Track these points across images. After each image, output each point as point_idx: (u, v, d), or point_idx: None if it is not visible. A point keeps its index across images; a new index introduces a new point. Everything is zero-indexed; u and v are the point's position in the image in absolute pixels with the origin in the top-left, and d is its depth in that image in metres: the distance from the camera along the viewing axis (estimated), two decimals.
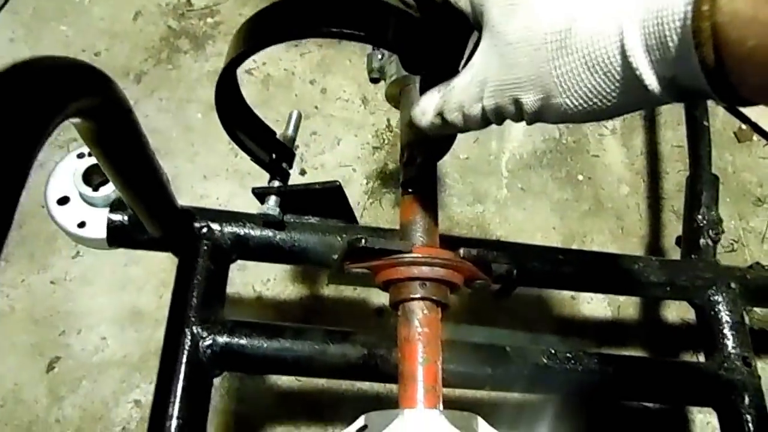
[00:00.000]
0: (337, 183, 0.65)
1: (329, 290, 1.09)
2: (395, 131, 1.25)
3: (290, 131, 0.68)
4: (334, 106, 1.26)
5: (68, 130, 1.09)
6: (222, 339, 0.63)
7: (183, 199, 0.67)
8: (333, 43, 1.31)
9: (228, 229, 0.68)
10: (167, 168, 0.60)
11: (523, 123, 0.45)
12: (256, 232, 0.69)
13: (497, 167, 1.27)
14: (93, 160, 0.66)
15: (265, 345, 0.63)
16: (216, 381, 0.87)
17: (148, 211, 0.60)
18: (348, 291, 1.09)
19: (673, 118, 1.39)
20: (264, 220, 0.68)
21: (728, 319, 0.81)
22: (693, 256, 0.90)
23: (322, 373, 0.67)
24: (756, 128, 1.40)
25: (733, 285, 0.83)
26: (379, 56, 0.71)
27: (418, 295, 0.55)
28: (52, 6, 1.24)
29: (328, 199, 0.68)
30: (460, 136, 0.62)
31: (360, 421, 0.52)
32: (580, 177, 1.30)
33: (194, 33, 1.27)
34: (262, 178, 0.67)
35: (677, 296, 0.85)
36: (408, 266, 0.55)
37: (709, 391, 0.78)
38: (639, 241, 1.26)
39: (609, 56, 0.36)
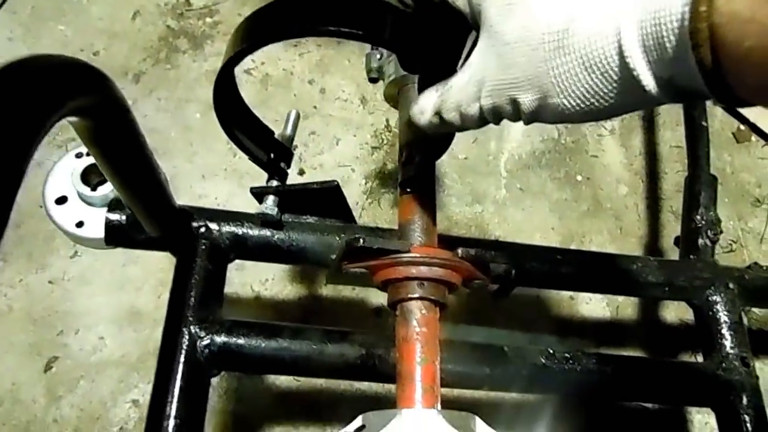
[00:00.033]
0: (335, 183, 0.65)
1: (328, 290, 1.09)
2: (394, 131, 1.24)
3: (288, 131, 0.68)
4: (333, 106, 1.26)
5: (67, 130, 1.09)
6: (220, 339, 0.62)
7: (182, 199, 0.67)
8: (332, 43, 1.31)
9: (226, 228, 0.68)
10: (166, 168, 0.60)
11: (522, 123, 0.45)
12: (254, 232, 0.68)
13: (496, 167, 1.27)
14: (91, 160, 0.66)
15: (263, 345, 0.63)
16: (214, 381, 0.87)
17: (146, 211, 0.59)
18: (346, 291, 1.09)
19: (671, 118, 1.39)
20: (262, 220, 0.67)
21: (726, 319, 0.81)
22: (691, 256, 0.90)
23: (320, 373, 0.67)
24: (754, 129, 1.40)
25: (731, 285, 0.83)
26: (378, 56, 0.71)
27: (416, 295, 0.55)
28: (51, 5, 1.24)
29: (327, 199, 0.68)
30: (458, 136, 0.63)
31: (358, 421, 0.52)
32: (579, 177, 1.30)
33: (193, 33, 1.27)
34: (260, 177, 0.67)
35: (676, 296, 0.84)
36: (406, 266, 0.56)
37: (708, 392, 0.78)
38: (637, 242, 1.26)
39: (606, 57, 0.36)
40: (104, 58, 1.20)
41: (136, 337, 0.99)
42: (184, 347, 0.61)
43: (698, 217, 0.92)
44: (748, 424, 0.75)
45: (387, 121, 1.26)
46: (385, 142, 1.24)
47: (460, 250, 0.58)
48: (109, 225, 0.66)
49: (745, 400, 0.76)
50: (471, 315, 1.09)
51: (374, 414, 0.51)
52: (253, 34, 0.49)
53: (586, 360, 0.72)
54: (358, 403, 1.00)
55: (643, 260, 0.82)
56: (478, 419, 0.52)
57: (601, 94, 0.38)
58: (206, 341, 0.62)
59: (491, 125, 0.48)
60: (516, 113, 0.43)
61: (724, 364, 0.78)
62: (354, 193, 1.17)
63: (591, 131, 1.36)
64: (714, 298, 0.82)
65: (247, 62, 1.24)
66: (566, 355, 0.72)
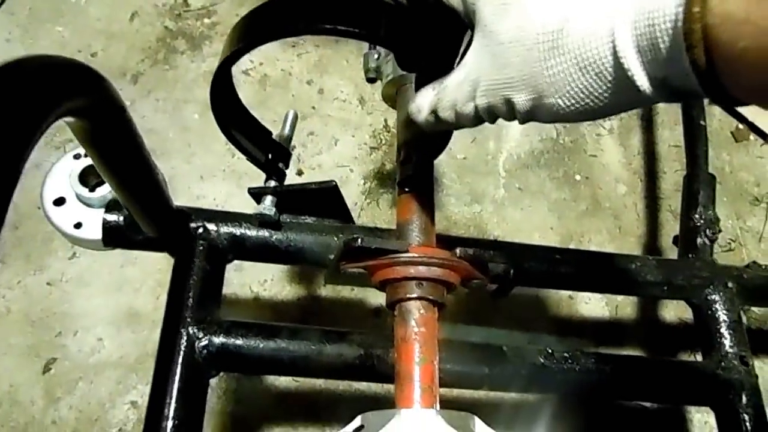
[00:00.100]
0: (333, 183, 0.65)
1: (326, 291, 1.09)
2: (392, 131, 1.24)
3: (286, 131, 0.68)
4: (331, 107, 1.26)
5: (64, 131, 1.09)
6: (218, 339, 0.62)
7: (180, 200, 0.67)
8: (330, 43, 1.30)
9: (224, 229, 0.68)
10: (164, 168, 0.60)
11: (517, 122, 0.45)
12: (252, 232, 0.68)
13: (495, 167, 1.27)
14: (89, 161, 0.66)
15: (262, 345, 0.63)
16: (213, 382, 0.87)
17: (144, 212, 0.59)
18: (345, 291, 1.09)
19: (670, 117, 1.39)
20: (260, 220, 0.67)
21: (725, 318, 0.81)
22: (690, 255, 0.90)
23: (319, 373, 0.67)
24: (753, 128, 1.41)
25: (730, 284, 0.83)
26: (376, 56, 0.71)
27: (414, 295, 0.55)
28: (49, 6, 1.24)
29: (325, 199, 0.68)
30: (457, 136, 0.63)
31: (356, 421, 0.52)
32: (578, 177, 1.30)
33: (191, 33, 1.27)
34: (258, 178, 0.67)
35: (674, 295, 0.84)
36: (404, 266, 0.55)
37: (707, 391, 0.77)
38: (636, 241, 1.26)
39: (601, 57, 0.36)
40: (102, 59, 1.20)
41: (135, 338, 0.99)
42: (183, 348, 0.61)
43: (697, 216, 0.92)
44: (748, 423, 0.74)
45: (385, 121, 1.26)
46: (383, 142, 1.24)
47: (458, 250, 0.58)
48: (107, 226, 0.65)
49: (744, 399, 0.75)
50: (470, 315, 1.09)
51: (373, 414, 0.51)
52: (249, 33, 0.49)
53: (585, 359, 0.72)
54: (357, 403, 1.00)
55: (642, 259, 0.82)
56: (477, 419, 0.52)
57: (596, 94, 0.38)
58: (204, 342, 0.62)
59: (488, 123, 0.48)
60: (511, 113, 0.44)
61: (723, 363, 0.78)
62: (352, 194, 1.17)
63: (590, 131, 1.36)
64: (713, 297, 0.82)
65: (246, 63, 1.24)
66: (565, 354, 0.72)
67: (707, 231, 0.89)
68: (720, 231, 0.91)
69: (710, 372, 0.78)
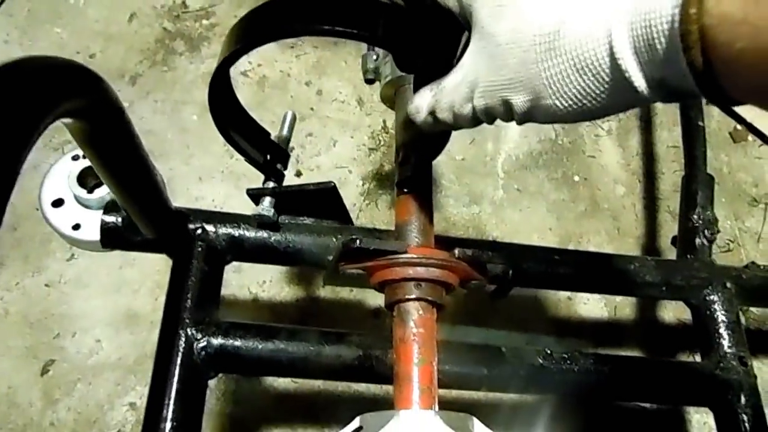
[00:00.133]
0: (332, 184, 0.65)
1: (325, 292, 1.09)
2: (391, 133, 1.24)
3: (285, 132, 0.68)
4: (330, 108, 1.26)
5: (63, 132, 1.08)
6: (216, 341, 0.62)
7: (178, 201, 0.67)
8: (329, 44, 1.31)
9: (222, 230, 0.68)
10: (162, 170, 0.60)
11: (515, 123, 0.45)
12: (250, 234, 0.68)
13: (493, 168, 1.27)
14: (88, 163, 0.66)
15: (260, 347, 0.63)
16: (211, 383, 0.87)
17: (142, 213, 0.59)
18: (344, 293, 1.09)
19: (668, 118, 1.39)
20: (259, 222, 0.67)
21: (724, 318, 0.81)
22: (689, 255, 0.90)
23: (318, 374, 0.67)
24: (751, 128, 1.41)
25: (728, 285, 0.83)
26: (374, 57, 0.71)
27: (413, 296, 0.55)
28: (47, 8, 1.24)
29: (323, 200, 0.68)
30: (455, 137, 0.63)
31: (355, 423, 0.52)
32: (576, 178, 1.30)
33: (189, 35, 1.27)
34: (257, 179, 0.67)
35: (673, 296, 0.84)
36: (403, 267, 0.55)
37: (706, 391, 0.77)
38: (635, 242, 1.26)
39: (598, 58, 0.36)
40: (101, 61, 1.20)
41: (133, 339, 0.99)
42: (181, 349, 0.61)
43: (695, 216, 0.92)
44: (747, 424, 0.74)
45: (384, 122, 1.26)
46: (382, 143, 1.24)
47: (457, 251, 0.58)
48: (105, 227, 0.65)
49: (743, 400, 0.75)
50: (468, 316, 1.09)
51: (372, 415, 0.51)
52: (247, 34, 0.49)
53: (583, 360, 0.72)
54: (356, 404, 1.00)
55: (641, 260, 0.82)
56: (475, 420, 0.52)
57: (593, 95, 0.38)
58: (203, 343, 0.62)
59: (486, 124, 0.48)
60: (508, 114, 0.44)
61: (722, 364, 0.78)
62: (351, 195, 1.17)
63: (588, 132, 1.36)
64: (711, 297, 0.82)
65: (244, 64, 1.24)
66: (564, 355, 0.72)
67: (706, 231, 0.89)
68: (718, 231, 0.91)
69: (709, 372, 0.78)
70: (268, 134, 0.66)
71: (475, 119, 0.46)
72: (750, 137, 1.41)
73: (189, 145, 1.16)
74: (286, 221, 0.70)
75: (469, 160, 1.27)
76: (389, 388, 0.56)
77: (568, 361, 0.71)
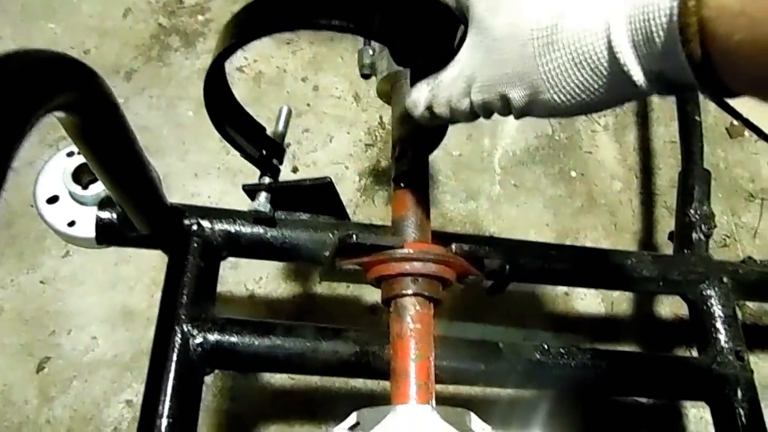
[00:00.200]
0: (328, 179, 0.65)
1: (322, 288, 1.08)
2: (387, 128, 1.24)
3: (280, 127, 0.68)
4: (326, 104, 1.25)
5: (57, 129, 1.08)
6: (212, 337, 0.62)
7: (174, 198, 0.66)
8: (325, 40, 1.30)
9: (218, 226, 0.67)
10: (158, 166, 0.59)
11: (513, 117, 0.45)
12: (246, 229, 0.68)
13: (490, 164, 1.27)
14: (82, 159, 0.65)
15: (257, 342, 0.63)
16: (208, 380, 0.87)
17: (137, 208, 0.59)
18: (341, 289, 1.09)
19: (665, 114, 1.39)
20: (255, 217, 0.67)
21: (721, 313, 0.81)
22: (686, 250, 0.90)
23: (315, 370, 0.67)
24: (748, 124, 1.41)
25: (725, 279, 0.83)
26: (371, 52, 0.71)
27: (410, 291, 0.55)
28: (41, 3, 1.23)
29: (320, 196, 0.68)
30: (452, 132, 0.63)
31: (352, 418, 0.51)
32: (573, 173, 1.30)
33: (185, 30, 1.26)
34: (254, 176, 0.66)
35: (670, 291, 0.85)
36: (400, 262, 0.55)
37: (703, 386, 0.78)
38: (632, 237, 1.26)
39: (596, 52, 0.36)
40: (95, 56, 1.19)
41: (129, 336, 0.99)
42: (177, 346, 0.60)
43: (692, 211, 0.92)
44: (743, 418, 0.75)
45: (380, 118, 1.25)
46: (378, 139, 1.24)
47: (454, 246, 0.57)
48: (100, 223, 0.65)
49: (739, 394, 0.76)
50: (466, 312, 1.09)
51: (369, 410, 0.51)
52: (242, 29, 0.49)
53: (581, 355, 0.72)
54: (354, 401, 1.00)
55: (638, 255, 0.82)
56: (473, 415, 0.52)
57: (592, 89, 0.38)
58: (199, 339, 0.61)
59: (483, 119, 0.48)
60: (506, 108, 0.44)
61: (718, 359, 0.78)
62: (348, 191, 1.17)
63: (585, 127, 1.36)
64: (708, 292, 0.82)
65: (240, 60, 1.24)
66: (561, 350, 0.72)
67: (702, 226, 0.89)
68: (715, 226, 0.91)
69: (706, 367, 0.78)
70: (264, 129, 0.66)
71: (473, 114, 0.46)
72: (746, 133, 1.41)
73: (185, 141, 1.16)
74: (283, 217, 0.69)
75: (466, 155, 1.27)
76: (386, 384, 0.56)
77: (566, 357, 0.71)
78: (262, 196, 0.66)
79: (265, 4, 0.48)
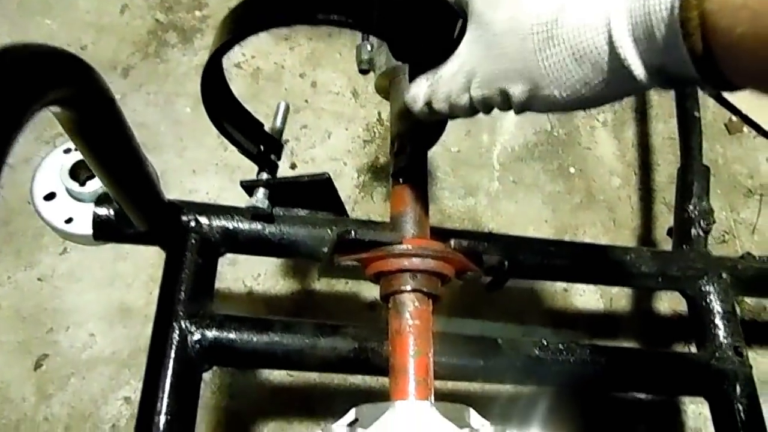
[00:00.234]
0: (326, 175, 0.64)
1: (320, 285, 1.08)
2: (386, 124, 1.24)
3: (278, 123, 0.68)
4: (325, 100, 1.25)
5: (54, 125, 1.07)
6: (211, 333, 0.62)
7: (172, 194, 0.66)
8: (323, 36, 1.30)
9: (216, 222, 0.67)
10: (155, 163, 0.59)
11: (515, 115, 0.45)
12: (244, 225, 0.68)
13: (489, 160, 1.27)
14: (80, 156, 0.65)
15: (255, 339, 0.63)
16: (206, 377, 0.87)
17: (134, 204, 0.59)
18: (339, 285, 1.09)
19: (664, 110, 1.39)
20: (253, 213, 0.67)
21: (720, 309, 0.81)
22: (684, 246, 0.90)
23: (313, 366, 0.67)
24: (746, 120, 1.41)
25: (724, 275, 0.83)
26: (369, 47, 0.70)
27: (408, 287, 0.55)
28: None
29: (318, 192, 0.67)
30: (450, 128, 0.62)
31: (351, 414, 0.51)
32: (572, 169, 1.30)
33: (182, 26, 1.26)
34: (251, 172, 0.66)
35: (669, 286, 0.84)
36: (398, 258, 0.55)
37: (701, 381, 0.78)
38: (631, 233, 1.26)
39: (596, 47, 0.36)
40: (92, 53, 1.19)
41: (127, 333, 0.99)
42: (175, 342, 0.60)
43: (691, 207, 0.92)
44: (742, 414, 0.75)
45: (379, 114, 1.25)
46: (377, 135, 1.23)
47: (452, 242, 0.57)
48: (97, 219, 0.65)
49: (738, 390, 0.76)
50: (464, 308, 1.09)
51: (367, 407, 0.51)
52: (240, 24, 0.48)
53: (580, 351, 0.72)
54: (352, 397, 0.99)
55: (637, 251, 0.82)
56: (472, 411, 0.52)
57: (592, 83, 0.38)
58: (197, 336, 0.61)
59: (483, 115, 0.48)
60: (506, 103, 0.43)
61: (717, 354, 0.78)
62: (346, 187, 1.17)
63: (584, 123, 1.35)
64: (707, 288, 0.82)
65: (238, 56, 1.23)
66: (560, 346, 0.71)
67: (701, 222, 0.89)
68: (714, 222, 0.91)
69: (705, 363, 0.78)
70: (262, 125, 0.65)
71: (472, 109, 0.46)
72: (745, 129, 1.41)
73: (182, 138, 1.15)
74: (281, 213, 0.69)
75: (465, 151, 1.26)
76: (385, 381, 0.56)
77: (565, 353, 0.71)
78: (260, 192, 0.65)
79: None
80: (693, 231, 0.89)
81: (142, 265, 1.03)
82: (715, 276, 0.82)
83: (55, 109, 0.38)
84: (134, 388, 0.95)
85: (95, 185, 0.65)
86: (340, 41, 1.29)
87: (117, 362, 0.97)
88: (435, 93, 0.47)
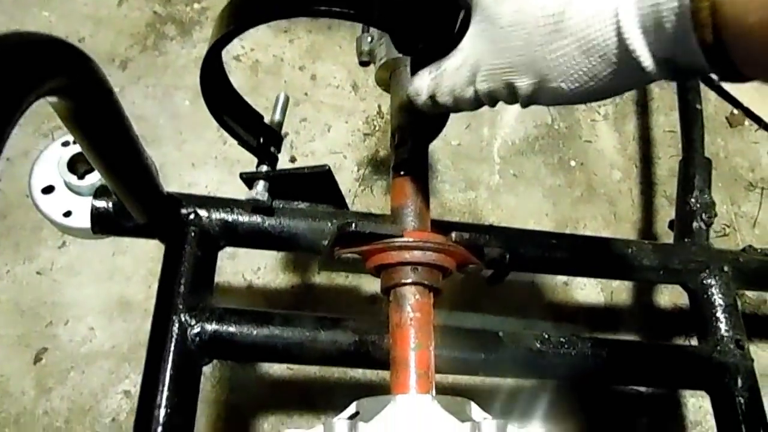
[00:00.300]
0: (327, 167, 0.64)
1: (320, 279, 1.08)
2: (386, 117, 1.23)
3: (278, 115, 0.67)
4: (324, 93, 1.24)
5: (52, 118, 1.07)
6: (210, 327, 0.61)
7: (171, 188, 0.66)
8: (322, 28, 1.29)
9: (216, 215, 0.67)
10: (154, 156, 0.58)
11: (516, 108, 0.44)
12: (244, 218, 0.67)
13: (489, 153, 1.26)
14: (78, 149, 0.64)
15: (255, 332, 0.62)
16: (206, 370, 0.87)
17: (133, 197, 0.58)
18: (340, 279, 1.08)
19: (665, 103, 1.39)
20: (253, 206, 0.66)
21: (721, 302, 0.80)
22: (686, 239, 0.89)
23: (313, 360, 0.66)
24: (748, 113, 1.40)
25: (726, 268, 0.82)
26: (369, 39, 0.70)
27: (409, 280, 0.55)
28: None
29: (318, 184, 0.67)
30: (451, 122, 0.62)
31: (352, 408, 0.51)
32: (573, 163, 1.29)
33: (180, 19, 1.25)
34: (251, 166, 0.66)
35: (670, 280, 0.84)
36: (399, 251, 0.55)
37: (703, 375, 0.77)
38: (631, 227, 1.26)
39: (605, 39, 0.36)
40: (90, 45, 1.18)
41: (127, 327, 0.98)
42: (175, 336, 0.60)
43: (693, 200, 0.91)
44: (743, 407, 0.75)
45: (379, 107, 1.24)
46: (377, 128, 1.23)
47: (454, 235, 0.57)
48: (96, 212, 0.64)
49: (740, 383, 0.75)
50: (465, 302, 1.08)
51: (368, 400, 0.50)
52: (239, 16, 0.48)
53: (581, 344, 0.72)
54: (353, 391, 0.99)
55: (638, 244, 0.81)
56: (473, 404, 0.51)
57: (600, 76, 0.38)
58: (197, 329, 0.61)
59: (488, 107, 0.47)
60: (512, 96, 0.43)
61: (719, 347, 0.78)
62: (346, 181, 1.16)
63: (584, 116, 1.35)
64: (709, 281, 0.81)
65: (237, 48, 1.22)
66: (561, 339, 0.71)
67: (703, 215, 0.89)
68: (716, 215, 0.91)
69: (706, 356, 0.78)
70: (261, 117, 0.65)
71: (477, 102, 0.46)
72: (746, 122, 1.41)
73: (181, 131, 1.15)
74: (281, 206, 0.69)
75: (465, 145, 1.26)
76: (385, 375, 0.55)
77: (566, 346, 0.71)
78: (260, 184, 0.65)
79: None
80: (695, 224, 0.89)
81: (142, 258, 1.03)
82: (716, 269, 0.82)
83: (53, 99, 0.38)
84: (134, 382, 0.95)
85: (94, 178, 0.65)
86: (340, 34, 1.28)
87: (117, 356, 0.96)
88: (439, 86, 0.47)
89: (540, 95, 0.41)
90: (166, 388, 0.57)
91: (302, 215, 0.69)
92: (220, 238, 0.68)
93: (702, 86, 1.11)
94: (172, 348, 0.59)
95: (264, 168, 0.64)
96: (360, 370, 1.01)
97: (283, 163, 0.83)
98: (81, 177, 0.65)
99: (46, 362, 0.94)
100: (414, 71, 0.50)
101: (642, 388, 1.09)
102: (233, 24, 0.47)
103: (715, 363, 0.77)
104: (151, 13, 1.24)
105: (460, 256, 0.58)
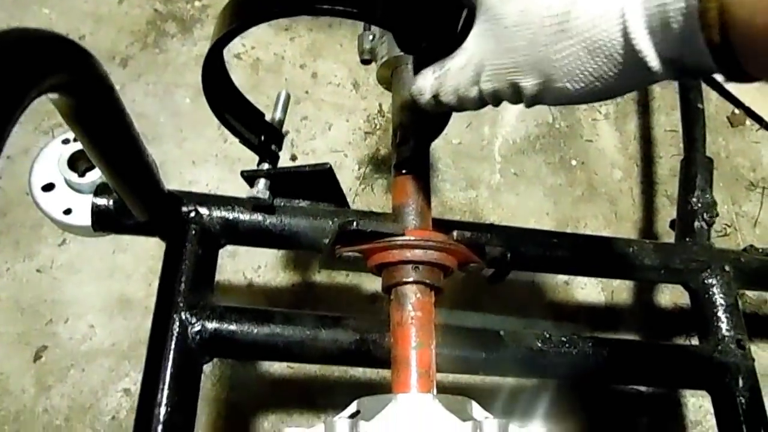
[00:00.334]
0: (328, 165, 0.64)
1: (321, 277, 1.08)
2: (387, 116, 1.23)
3: (279, 113, 0.67)
4: (325, 91, 1.24)
5: (53, 116, 1.07)
6: (211, 325, 0.61)
7: (171, 185, 0.65)
8: (323, 27, 1.29)
9: (216, 213, 0.67)
10: (155, 154, 0.58)
11: (517, 107, 0.44)
12: (245, 216, 0.67)
13: (490, 152, 1.26)
14: (78, 146, 0.64)
15: (256, 331, 0.62)
16: (207, 368, 0.86)
17: (134, 194, 0.58)
18: (340, 278, 1.08)
19: (666, 102, 1.38)
20: (253, 204, 0.66)
21: (722, 302, 0.80)
22: (687, 239, 0.89)
23: (314, 358, 0.66)
24: (749, 113, 1.40)
25: (727, 268, 0.82)
26: (370, 37, 0.70)
27: (410, 279, 0.55)
28: None
29: (319, 182, 0.67)
30: (452, 121, 0.62)
31: (352, 407, 0.51)
32: (574, 162, 1.29)
33: (181, 16, 1.25)
34: (252, 163, 0.65)
35: (671, 279, 0.84)
36: (400, 249, 0.55)
37: (704, 374, 0.77)
38: (632, 226, 1.26)
39: (611, 39, 0.36)
40: (90, 43, 1.18)
41: (127, 325, 0.98)
42: (175, 334, 0.60)
43: (694, 199, 0.91)
44: (744, 407, 0.74)
45: (380, 105, 1.24)
46: (377, 127, 1.23)
47: (455, 233, 0.57)
48: (96, 210, 0.64)
49: (741, 383, 0.75)
50: (466, 301, 1.08)
51: (369, 399, 0.50)
52: (241, 14, 0.48)
53: (582, 343, 0.72)
54: (353, 390, 0.99)
55: (639, 243, 0.81)
56: (474, 403, 0.51)
57: (606, 76, 0.38)
58: (197, 327, 0.61)
59: (492, 106, 0.47)
60: (517, 96, 0.43)
61: (720, 347, 0.78)
62: (347, 179, 1.16)
63: (585, 116, 1.35)
64: (710, 280, 0.81)
65: (237, 46, 1.22)
66: (562, 338, 0.71)
67: (704, 214, 0.89)
68: (717, 215, 0.91)
69: (707, 356, 0.78)
70: (263, 115, 0.65)
71: (481, 101, 0.46)
72: (748, 121, 1.41)
73: (182, 129, 1.14)
74: (282, 204, 0.68)
75: (466, 144, 1.26)
76: (386, 373, 0.55)
77: (567, 345, 0.71)
78: (261, 182, 0.65)
79: None
80: (696, 223, 0.89)
81: (142, 256, 1.03)
82: (718, 269, 0.82)
83: (54, 96, 0.37)
84: (134, 380, 0.95)
85: (94, 176, 0.64)
86: (341, 32, 1.28)
87: (117, 354, 0.96)
88: (443, 86, 0.46)
89: (545, 95, 0.41)
90: (166, 386, 0.57)
91: (303, 213, 0.69)
92: (220, 236, 0.67)
93: (703, 86, 1.10)
94: (173, 346, 0.59)
95: (265, 166, 0.64)
96: (361, 369, 1.01)
97: (284, 161, 0.82)
98: (81, 174, 0.65)
99: (46, 360, 0.94)
100: (417, 70, 0.50)
101: (642, 388, 1.09)
102: (235, 22, 0.47)
103: (716, 363, 0.77)
104: (151, 11, 1.24)
105: (462, 255, 0.58)
